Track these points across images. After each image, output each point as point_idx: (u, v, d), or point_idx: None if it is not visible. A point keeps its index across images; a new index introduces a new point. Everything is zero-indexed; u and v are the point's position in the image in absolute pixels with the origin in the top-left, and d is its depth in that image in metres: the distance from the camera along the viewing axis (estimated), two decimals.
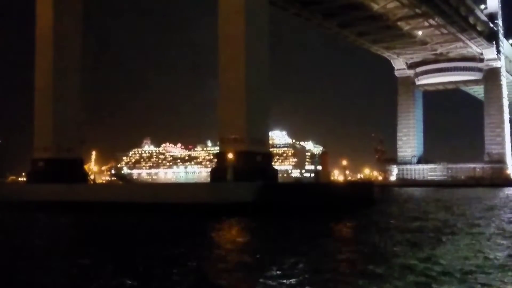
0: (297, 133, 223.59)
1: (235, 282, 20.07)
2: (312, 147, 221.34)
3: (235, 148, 63.66)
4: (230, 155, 61.78)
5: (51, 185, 67.46)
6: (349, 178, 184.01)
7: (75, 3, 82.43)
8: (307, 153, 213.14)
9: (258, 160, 65.39)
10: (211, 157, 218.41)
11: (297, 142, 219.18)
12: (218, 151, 71.08)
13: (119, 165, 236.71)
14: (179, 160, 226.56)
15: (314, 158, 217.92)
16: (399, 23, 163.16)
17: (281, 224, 43.06)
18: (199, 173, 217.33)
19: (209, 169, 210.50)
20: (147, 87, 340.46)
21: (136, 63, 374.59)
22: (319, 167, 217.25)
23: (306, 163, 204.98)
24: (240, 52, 66.14)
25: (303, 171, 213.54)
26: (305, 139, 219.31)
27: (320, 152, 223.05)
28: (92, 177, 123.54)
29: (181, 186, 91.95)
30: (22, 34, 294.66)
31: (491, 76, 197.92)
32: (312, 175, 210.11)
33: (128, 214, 52.65)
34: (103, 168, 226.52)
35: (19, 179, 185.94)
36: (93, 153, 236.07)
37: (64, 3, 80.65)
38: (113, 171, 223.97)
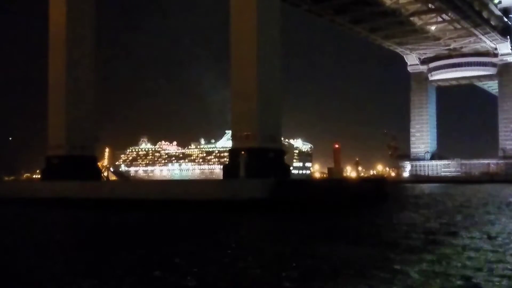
0: (286, 131, 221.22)
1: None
2: (301, 144, 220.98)
3: (247, 145, 63.67)
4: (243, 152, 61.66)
5: (65, 182, 67.96)
6: (362, 174, 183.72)
7: (88, 2, 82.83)
8: (295, 151, 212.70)
9: (271, 156, 65.36)
10: (204, 154, 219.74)
11: (286, 140, 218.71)
12: (231, 148, 71.20)
13: (117, 163, 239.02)
14: (173, 158, 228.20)
15: (302, 156, 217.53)
16: (411, 18, 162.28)
17: (300, 220, 43.06)
18: (193, 170, 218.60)
19: (202, 167, 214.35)
20: (146, 85, 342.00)
21: (133, 63, 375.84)
22: (308, 164, 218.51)
23: (294, 161, 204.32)
24: (252, 49, 66.10)
25: (291, 168, 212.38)
26: (294, 136, 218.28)
27: (309, 149, 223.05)
28: (105, 174, 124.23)
29: (193, 182, 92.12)
30: (35, 32, 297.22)
31: (506, 71, 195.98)
32: (303, 172, 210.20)
33: (141, 211, 52.95)
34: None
35: (34, 176, 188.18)
36: (107, 150, 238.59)
37: (77, 2, 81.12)
38: (111, 169, 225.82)
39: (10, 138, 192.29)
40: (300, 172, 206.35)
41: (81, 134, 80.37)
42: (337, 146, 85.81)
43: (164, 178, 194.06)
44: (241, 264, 22.40)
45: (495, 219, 41.29)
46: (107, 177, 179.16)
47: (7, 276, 21.13)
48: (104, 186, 73.86)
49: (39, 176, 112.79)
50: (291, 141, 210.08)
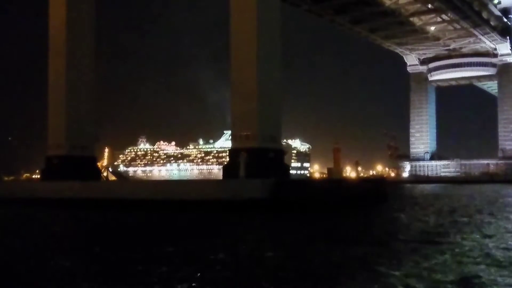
0: (284, 131, 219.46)
1: None
2: (299, 145, 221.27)
3: (247, 145, 63.63)
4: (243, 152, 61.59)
5: (65, 182, 67.96)
6: (362, 174, 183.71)
7: (88, 2, 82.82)
8: (293, 151, 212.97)
9: (271, 156, 65.29)
10: (203, 155, 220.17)
11: (284, 140, 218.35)
12: (231, 148, 71.16)
13: (115, 163, 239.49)
14: (172, 158, 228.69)
15: (300, 156, 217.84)
16: (411, 18, 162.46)
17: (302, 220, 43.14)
18: (191, 170, 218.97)
19: (201, 167, 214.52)
20: (145, 85, 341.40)
21: (133, 63, 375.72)
22: (306, 164, 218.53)
23: (292, 161, 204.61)
24: (252, 49, 66.00)
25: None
26: (293, 137, 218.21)
27: (307, 150, 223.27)
28: (105, 174, 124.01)
29: (193, 182, 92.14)
30: (35, 32, 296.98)
31: (505, 72, 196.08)
32: (301, 172, 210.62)
33: (140, 211, 52.97)
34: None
35: (33, 176, 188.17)
36: (106, 150, 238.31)
37: (76, 2, 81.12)
38: (110, 169, 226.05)
39: (10, 138, 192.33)
40: (298, 172, 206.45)
41: (81, 134, 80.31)
42: (337, 146, 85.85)
43: (162, 178, 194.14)
44: (240, 264, 22.44)
45: (493, 220, 41.33)
46: (107, 177, 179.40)
47: (7, 276, 21.15)
48: (104, 186, 73.90)
49: (39, 176, 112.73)
50: (289, 141, 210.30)
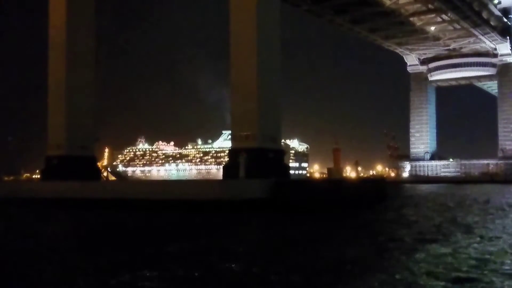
0: (283, 131, 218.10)
1: None
2: (297, 145, 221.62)
3: (247, 145, 63.61)
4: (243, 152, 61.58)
5: (65, 183, 67.95)
6: (361, 174, 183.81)
7: (88, 1, 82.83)
8: (291, 151, 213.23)
9: (270, 156, 65.30)
10: (201, 155, 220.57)
11: (283, 140, 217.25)
12: (231, 148, 71.15)
13: (114, 163, 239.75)
14: (171, 158, 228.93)
15: (298, 156, 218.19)
16: (411, 18, 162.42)
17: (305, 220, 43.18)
18: (190, 170, 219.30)
19: (199, 167, 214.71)
20: (144, 85, 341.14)
21: (133, 63, 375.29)
22: (305, 164, 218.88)
23: (291, 161, 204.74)
24: (252, 49, 65.94)
25: None
26: (291, 137, 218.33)
27: (305, 150, 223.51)
28: (104, 174, 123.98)
29: (193, 183, 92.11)
30: (36, 32, 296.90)
31: (505, 72, 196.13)
32: (299, 172, 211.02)
33: (140, 211, 52.99)
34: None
35: (33, 176, 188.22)
36: (106, 150, 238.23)
37: (77, 1, 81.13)
38: (109, 169, 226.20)
39: (10, 138, 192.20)
40: (296, 172, 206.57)
41: (81, 134, 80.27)
42: (336, 146, 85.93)
43: (161, 178, 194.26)
44: (240, 265, 22.46)
45: (492, 220, 41.40)
46: (107, 177, 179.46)
47: (7, 275, 21.18)
48: (103, 186, 73.88)
49: (39, 176, 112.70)
50: (288, 141, 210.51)
